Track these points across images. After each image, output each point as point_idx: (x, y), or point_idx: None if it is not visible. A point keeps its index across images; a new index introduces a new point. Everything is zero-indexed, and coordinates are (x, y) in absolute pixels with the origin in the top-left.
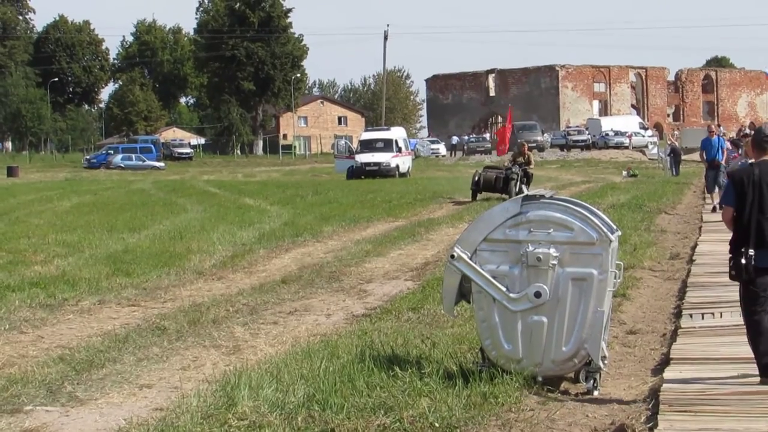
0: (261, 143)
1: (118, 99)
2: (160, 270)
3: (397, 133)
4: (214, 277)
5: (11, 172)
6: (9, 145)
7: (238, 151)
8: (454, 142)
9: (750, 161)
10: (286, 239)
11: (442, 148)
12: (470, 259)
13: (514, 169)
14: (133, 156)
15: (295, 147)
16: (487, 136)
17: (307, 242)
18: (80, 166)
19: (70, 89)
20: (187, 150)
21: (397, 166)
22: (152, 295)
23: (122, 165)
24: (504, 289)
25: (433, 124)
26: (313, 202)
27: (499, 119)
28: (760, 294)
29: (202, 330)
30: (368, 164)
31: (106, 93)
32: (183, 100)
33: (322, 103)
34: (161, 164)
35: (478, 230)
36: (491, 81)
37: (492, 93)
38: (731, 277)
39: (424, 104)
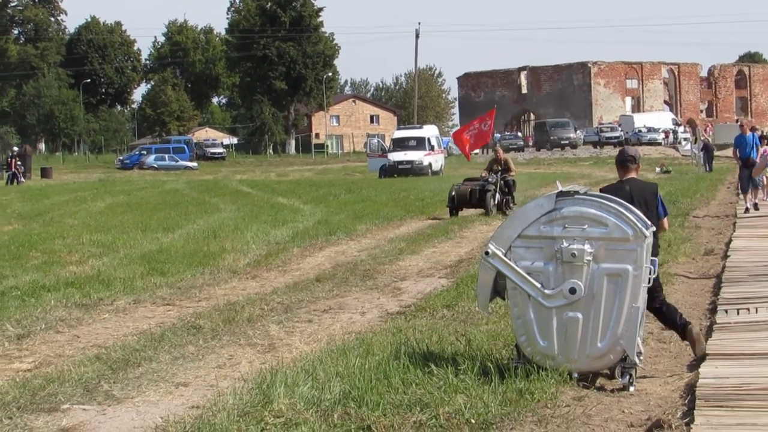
0: (293, 142)
1: (150, 99)
2: (194, 269)
3: (429, 131)
4: (249, 275)
5: (45, 173)
6: (42, 146)
7: (271, 151)
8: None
9: None
10: (320, 238)
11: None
12: (505, 255)
13: (490, 179)
14: (166, 156)
15: (327, 146)
16: (520, 134)
17: (341, 240)
18: (113, 167)
19: (103, 90)
20: (220, 150)
21: (430, 165)
22: (187, 294)
23: (155, 165)
24: (539, 285)
25: (466, 122)
26: (346, 200)
27: (532, 116)
28: None
29: (237, 328)
30: (401, 162)
31: (138, 93)
32: (215, 100)
33: (354, 101)
34: (194, 164)
35: (512, 227)
36: (523, 78)
37: (524, 90)
38: None
39: (456, 102)
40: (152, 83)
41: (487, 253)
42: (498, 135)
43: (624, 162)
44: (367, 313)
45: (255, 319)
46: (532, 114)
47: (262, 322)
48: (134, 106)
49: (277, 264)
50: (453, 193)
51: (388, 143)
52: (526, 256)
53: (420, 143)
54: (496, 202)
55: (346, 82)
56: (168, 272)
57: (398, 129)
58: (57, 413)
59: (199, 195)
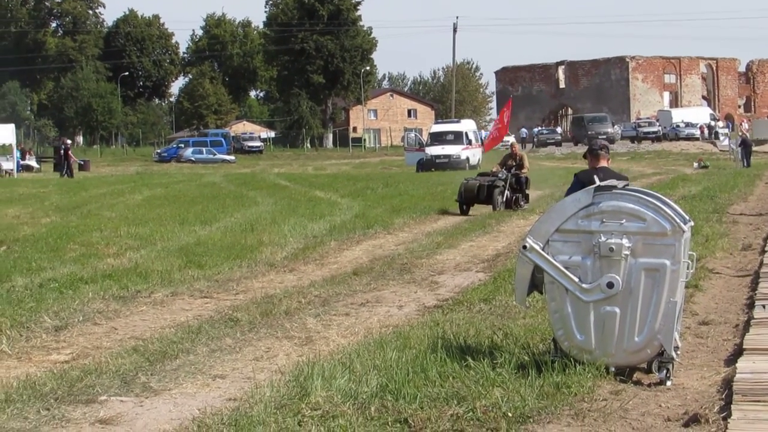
0: (331, 136)
1: (188, 93)
2: (231, 262)
3: (467, 125)
4: (286, 269)
5: (82, 166)
6: (80, 139)
7: (308, 144)
8: (523, 135)
9: None
10: (357, 231)
11: (511, 140)
12: (542, 249)
13: (500, 176)
14: (204, 149)
15: (365, 140)
16: (559, 129)
17: (378, 234)
18: (151, 160)
19: (141, 83)
20: (258, 143)
21: (467, 159)
22: (224, 287)
23: (193, 158)
24: (576, 279)
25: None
26: (383, 194)
27: (569, 111)
28: None
29: (275, 321)
30: (438, 157)
31: (176, 87)
32: (253, 93)
33: (391, 95)
34: (232, 157)
35: (550, 221)
36: (561, 73)
37: (562, 85)
38: None
39: (494, 96)
40: (190, 76)
41: (524, 247)
42: (535, 129)
43: (594, 151)
44: (405, 307)
45: (292, 311)
46: (569, 108)
47: (299, 314)
48: (172, 99)
49: (314, 257)
50: (462, 189)
51: (425, 137)
52: (563, 250)
53: (457, 137)
54: (504, 198)
55: (383, 76)
56: (205, 265)
57: (436, 123)
58: (94, 405)
59: (237, 188)
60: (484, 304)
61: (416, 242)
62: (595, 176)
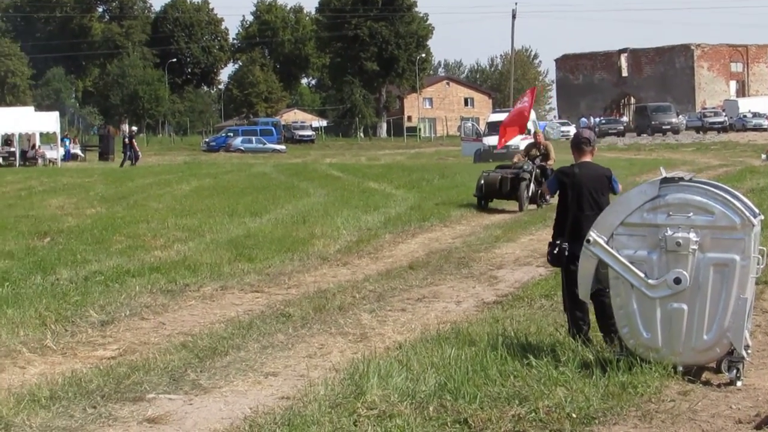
0: (385, 125)
1: (237, 80)
2: (283, 255)
3: None
4: (339, 262)
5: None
6: (126, 127)
7: (361, 134)
8: (583, 124)
9: None
10: (413, 224)
11: (572, 131)
12: (607, 243)
13: (525, 167)
14: (254, 139)
15: (420, 129)
16: (625, 118)
17: (435, 227)
18: (199, 149)
19: (189, 70)
20: (309, 132)
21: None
22: (276, 281)
23: (242, 148)
24: (642, 275)
25: (563, 105)
26: (439, 185)
27: (632, 100)
28: None
29: (328, 317)
30: (496, 147)
31: (225, 74)
32: (304, 81)
33: (447, 83)
34: (282, 147)
35: (614, 214)
36: (623, 61)
37: (624, 73)
38: None
39: (554, 85)
40: (240, 63)
41: (588, 240)
42: (596, 119)
43: (578, 144)
44: (463, 302)
45: (346, 307)
46: (632, 98)
47: (353, 310)
48: (221, 86)
49: (368, 251)
50: (482, 182)
51: (482, 127)
52: (628, 244)
53: None
54: (530, 193)
55: (439, 63)
56: (256, 258)
57: (493, 112)
58: (142, 403)
59: (288, 179)
60: (545, 299)
61: (474, 235)
62: (575, 170)
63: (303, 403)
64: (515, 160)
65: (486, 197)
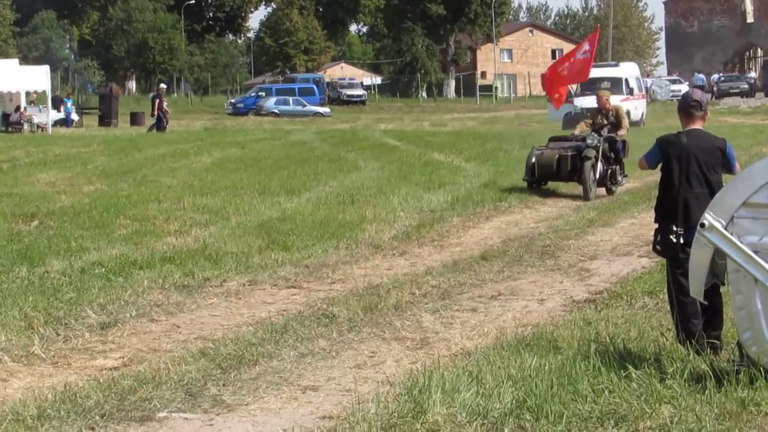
0: (453, 83)
1: (271, 27)
2: (326, 243)
3: (627, 70)
4: (396, 252)
5: (136, 119)
6: (133, 84)
7: (424, 94)
8: (698, 82)
9: None
10: (487, 205)
11: (684, 90)
12: (725, 228)
13: (589, 141)
14: (291, 99)
15: (496, 88)
16: (753, 74)
17: (513, 208)
18: (223, 112)
19: (210, 14)
20: (359, 92)
21: (628, 113)
22: (317, 274)
23: (276, 111)
24: None
25: (674, 58)
26: (519, 157)
27: (759, 52)
28: None
29: (381, 318)
30: (590, 110)
31: (255, 19)
32: (353, 28)
33: (531, 32)
34: (326, 110)
35: (735, 192)
36: (749, 3)
37: (750, 19)
38: None
39: (662, 34)
40: (273, 6)
41: (702, 225)
42: (715, 76)
43: (687, 108)
44: (547, 301)
45: (403, 306)
46: (759, 49)
47: (412, 310)
48: (250, 35)
49: (431, 237)
50: (533, 161)
51: (574, 85)
52: (752, 229)
53: (615, 85)
54: (597, 175)
55: (520, 6)
56: (293, 246)
57: None
58: (151, 423)
59: (333, 149)
60: (648, 297)
61: (562, 218)
62: (683, 139)
63: (349, 423)
64: (576, 131)
65: (540, 181)
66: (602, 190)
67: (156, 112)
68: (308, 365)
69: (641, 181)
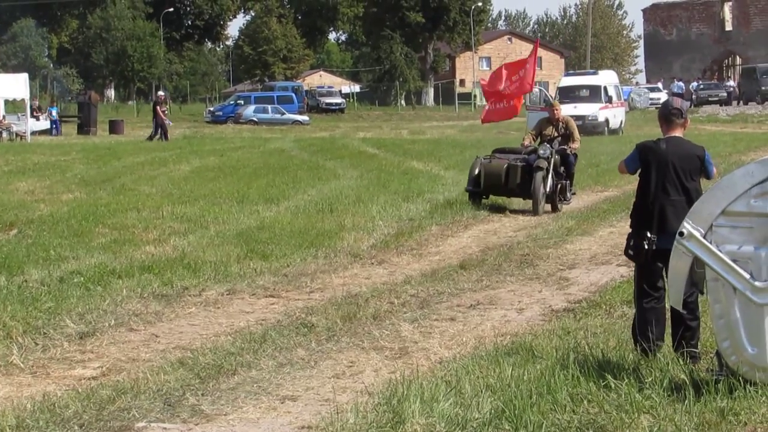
0: (431, 91)
1: (249, 35)
2: (304, 252)
3: (606, 78)
4: (374, 260)
5: (114, 127)
6: (111, 93)
7: (403, 102)
8: (676, 89)
9: None
10: (465, 213)
11: (663, 98)
12: (704, 237)
13: (541, 152)
14: (269, 107)
15: (475, 96)
16: (731, 83)
17: (492, 217)
18: (201, 120)
19: (189, 22)
20: (338, 100)
21: (606, 121)
22: (295, 283)
23: (255, 119)
24: (747, 276)
25: (653, 66)
26: None
27: (738, 60)
28: None
29: (360, 328)
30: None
31: (234, 27)
32: (332, 36)
33: (509, 39)
34: (305, 118)
35: (714, 201)
36: (727, 11)
37: (728, 27)
38: None
39: (641, 41)
40: (252, 14)
41: (681, 233)
42: (693, 84)
43: (667, 116)
44: (526, 310)
45: (382, 315)
46: (738, 57)
47: (391, 319)
48: (229, 43)
49: (410, 246)
50: (478, 171)
51: (552, 93)
52: (731, 238)
53: (594, 93)
54: (548, 189)
55: (499, 14)
56: (271, 255)
57: (566, 75)
58: None
59: (311, 157)
60: (627, 307)
61: (541, 227)
62: (662, 146)
63: None
64: (525, 142)
65: (485, 193)
66: (547, 207)
67: (157, 119)
68: (287, 375)
69: (620, 189)
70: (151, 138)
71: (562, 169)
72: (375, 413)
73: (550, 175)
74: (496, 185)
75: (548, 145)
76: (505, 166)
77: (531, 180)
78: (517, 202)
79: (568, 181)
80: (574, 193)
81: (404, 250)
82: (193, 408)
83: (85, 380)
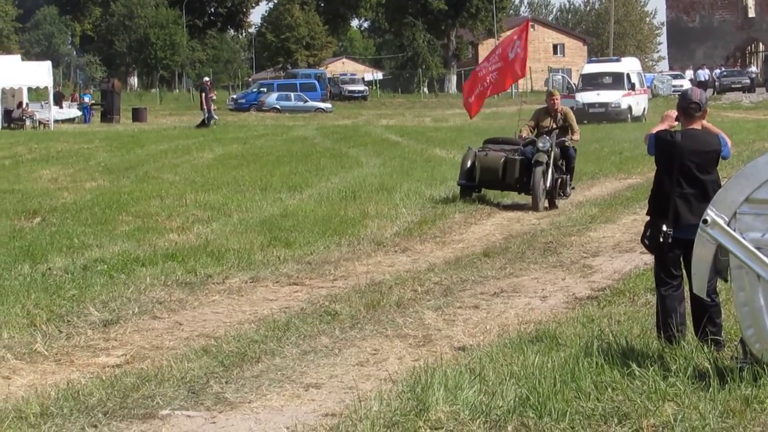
0: (454, 78)
1: (272, 22)
2: (328, 239)
3: (629, 65)
4: (398, 248)
5: (138, 115)
6: (135, 80)
7: (426, 89)
8: (701, 77)
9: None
10: (489, 200)
11: (686, 85)
12: (728, 224)
13: (540, 144)
14: (292, 95)
15: None
16: (754, 69)
17: (514, 205)
18: (224, 108)
19: (212, 10)
20: (361, 87)
21: (629, 108)
22: (319, 271)
23: (278, 106)
24: None
25: (675, 53)
26: None
27: (761, 47)
28: None
29: (384, 315)
30: (592, 105)
31: (257, 15)
32: (355, 23)
33: (532, 27)
34: (327, 105)
35: (738, 188)
36: None
37: (751, 13)
38: None
39: (663, 28)
40: (275, 1)
41: (705, 221)
42: (716, 71)
43: (686, 108)
44: (550, 298)
45: (406, 303)
46: (761, 44)
47: (414, 307)
48: (251, 30)
49: (433, 234)
50: (471, 162)
51: (575, 80)
52: (755, 225)
53: (617, 80)
54: (548, 184)
55: (521, 0)
56: (295, 243)
57: (589, 62)
58: (154, 420)
59: (334, 145)
60: (651, 294)
61: (564, 215)
62: (677, 140)
63: (352, 421)
64: (523, 134)
65: (479, 187)
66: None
67: (205, 106)
68: (311, 363)
69: (643, 177)
70: (204, 124)
71: (562, 162)
72: (399, 401)
73: (550, 170)
74: (493, 180)
75: (548, 138)
76: (503, 159)
77: (530, 175)
78: (505, 197)
79: (567, 176)
80: (573, 188)
81: (427, 237)
82: (217, 396)
83: (109, 368)
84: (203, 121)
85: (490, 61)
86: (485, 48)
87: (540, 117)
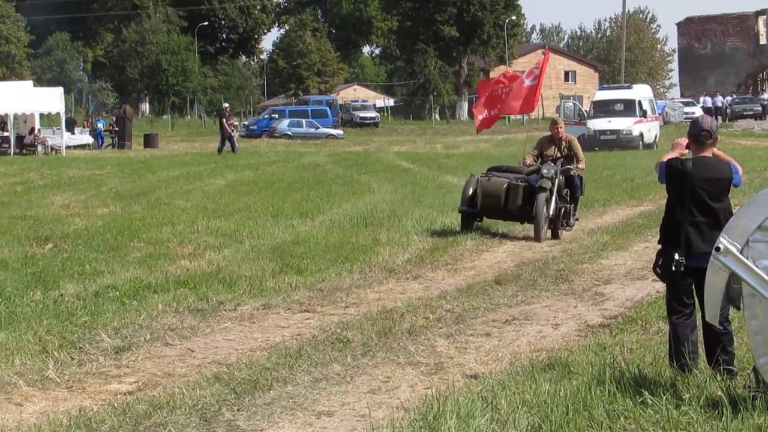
0: (466, 105)
1: (284, 49)
2: (339, 266)
3: (640, 92)
4: (409, 275)
5: (149, 141)
6: (146, 107)
7: (437, 116)
8: (710, 104)
9: None
10: (500, 228)
11: (698, 112)
12: (740, 252)
13: (545, 171)
14: (304, 122)
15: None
16: (766, 96)
17: (527, 231)
18: (236, 134)
19: (224, 36)
20: (372, 114)
21: (641, 135)
22: (330, 298)
23: (290, 133)
24: None
25: (687, 80)
26: None
27: None
28: None
29: (395, 343)
30: (603, 132)
31: (268, 41)
32: (366, 50)
33: (543, 53)
34: (339, 132)
35: (750, 215)
36: (761, 25)
37: (763, 40)
38: None
39: (675, 55)
40: (286, 28)
41: (717, 248)
42: (728, 98)
43: (697, 136)
44: (561, 326)
45: (418, 330)
46: None
47: (426, 334)
48: (263, 57)
49: (445, 261)
50: (473, 190)
51: (587, 107)
52: None
53: (628, 107)
54: (551, 212)
55: (533, 28)
56: (306, 270)
57: (600, 89)
58: None
59: (346, 171)
60: (663, 322)
61: (576, 242)
62: (688, 168)
63: None
64: (528, 161)
65: (480, 215)
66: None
67: (224, 132)
68: (322, 390)
69: (654, 204)
70: (219, 151)
71: (566, 192)
72: (411, 429)
73: (553, 198)
74: (495, 207)
75: (552, 164)
76: (505, 185)
77: (533, 202)
78: (507, 227)
79: (572, 205)
80: (577, 219)
81: (439, 265)
82: (229, 423)
83: (121, 395)
84: (221, 147)
85: (509, 78)
86: (496, 75)
87: (544, 146)
